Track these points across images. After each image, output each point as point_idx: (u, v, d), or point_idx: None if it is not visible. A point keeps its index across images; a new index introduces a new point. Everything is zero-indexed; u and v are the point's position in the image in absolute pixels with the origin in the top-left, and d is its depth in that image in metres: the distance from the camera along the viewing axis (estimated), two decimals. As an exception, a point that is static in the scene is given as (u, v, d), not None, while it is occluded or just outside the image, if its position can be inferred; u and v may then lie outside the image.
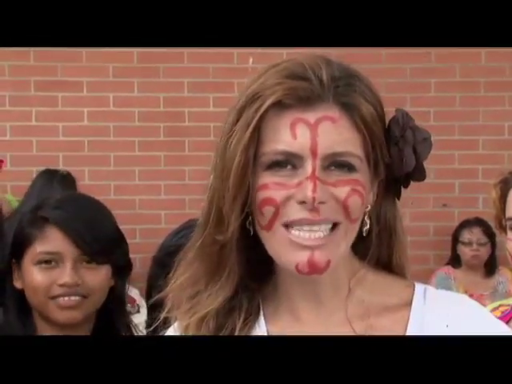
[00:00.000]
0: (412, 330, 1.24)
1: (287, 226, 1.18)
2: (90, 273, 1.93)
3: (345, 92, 1.19)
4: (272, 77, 1.19)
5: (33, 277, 1.93)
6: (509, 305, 2.15)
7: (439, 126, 5.39)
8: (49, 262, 1.92)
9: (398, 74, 5.11)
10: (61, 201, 2.03)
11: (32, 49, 5.36)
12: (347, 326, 1.24)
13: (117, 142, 5.45)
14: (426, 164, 1.27)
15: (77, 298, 1.91)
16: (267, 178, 1.19)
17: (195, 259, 1.26)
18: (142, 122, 5.46)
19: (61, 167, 4.98)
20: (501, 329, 1.27)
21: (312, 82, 1.18)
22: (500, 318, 1.98)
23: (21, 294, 1.97)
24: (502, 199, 2.07)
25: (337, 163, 1.18)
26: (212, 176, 1.23)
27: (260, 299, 1.29)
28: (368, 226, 1.25)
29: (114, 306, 2.01)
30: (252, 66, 5.37)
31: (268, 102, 1.17)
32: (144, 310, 3.98)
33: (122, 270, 2.02)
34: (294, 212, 1.18)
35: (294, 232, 1.18)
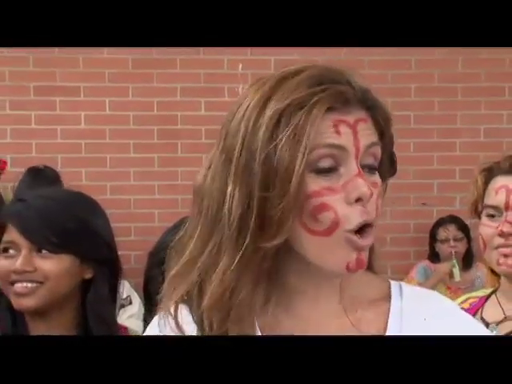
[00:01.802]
0: (393, 322, 1.25)
1: (351, 231, 1.17)
2: (45, 261, 1.91)
3: (368, 97, 1.21)
4: (303, 85, 1.17)
5: None
6: (477, 297, 2.16)
7: (419, 129, 5.41)
8: (7, 249, 1.94)
9: (380, 79, 5.12)
10: (27, 195, 2.04)
11: (31, 55, 5.35)
12: (339, 317, 1.25)
13: (112, 145, 5.45)
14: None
15: (32, 284, 1.91)
16: (317, 183, 1.16)
17: (235, 272, 1.18)
18: (136, 125, 5.46)
19: (59, 168, 4.99)
20: (468, 321, 1.31)
21: (347, 84, 1.19)
22: (468, 310, 2.01)
23: None
24: (484, 186, 2.08)
25: (367, 165, 1.19)
26: (238, 187, 1.17)
27: None
28: None
29: (88, 301, 1.98)
30: (241, 71, 5.37)
31: (321, 108, 1.15)
32: (136, 302, 3.99)
33: (97, 263, 1.99)
34: (355, 216, 1.16)
35: (353, 236, 1.17)
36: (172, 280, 1.26)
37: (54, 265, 1.92)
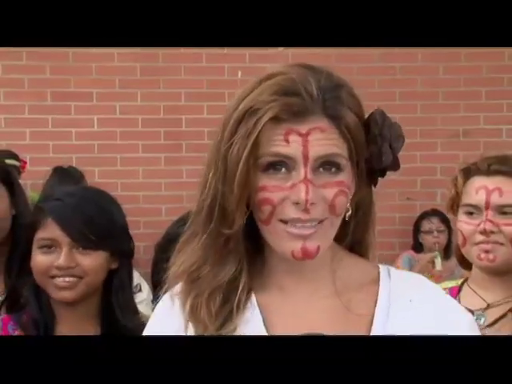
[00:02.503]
0: (381, 302, 1.25)
1: (283, 221, 1.19)
2: (85, 257, 1.91)
3: (332, 105, 1.19)
4: (266, 92, 1.18)
5: (36, 259, 1.93)
6: (446, 288, 2.15)
7: (403, 130, 5.40)
8: (48, 246, 1.92)
9: (367, 85, 5.12)
10: (63, 194, 2.01)
11: (48, 63, 5.35)
12: (331, 298, 1.25)
13: (123, 145, 5.44)
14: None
15: (72, 279, 1.91)
16: (265, 181, 1.19)
17: (200, 249, 1.25)
18: (144, 128, 5.45)
19: (66, 164, 4.97)
20: (452, 304, 1.31)
21: (303, 97, 1.17)
22: None
23: None
24: (462, 186, 2.08)
25: (325, 164, 1.18)
26: (210, 177, 1.22)
27: (252, 274, 1.29)
28: (350, 212, 1.25)
29: (114, 288, 1.99)
30: (240, 78, 5.37)
31: (266, 118, 1.16)
32: (145, 290, 3.98)
33: (123, 255, 2.00)
34: (289, 212, 1.18)
35: (288, 225, 1.19)
36: (174, 256, 1.31)
37: (92, 261, 1.92)
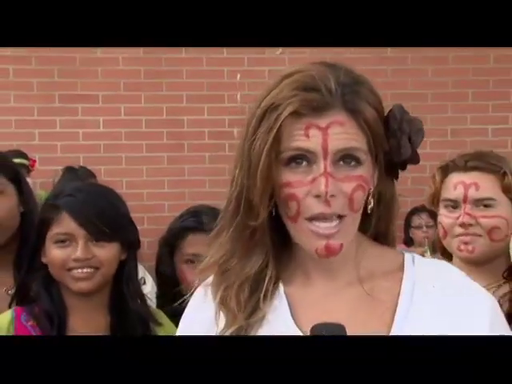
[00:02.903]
0: (405, 289, 1.24)
1: (308, 219, 1.18)
2: (100, 249, 1.92)
3: (351, 99, 1.18)
4: (286, 88, 1.17)
5: (52, 253, 1.93)
6: None
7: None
8: (64, 241, 1.92)
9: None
10: (73, 190, 2.02)
11: (56, 67, 5.34)
12: (355, 287, 1.24)
13: (127, 145, 5.43)
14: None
15: (89, 270, 1.91)
16: (288, 176, 1.18)
17: (227, 242, 1.25)
18: (148, 128, 5.45)
19: (76, 164, 4.99)
20: (472, 285, 1.28)
21: (322, 92, 1.16)
22: None
23: (47, 268, 1.97)
24: (441, 182, 2.10)
25: (345, 157, 1.17)
26: (237, 173, 1.22)
27: (280, 266, 1.28)
28: (372, 205, 1.24)
29: (125, 277, 2.00)
30: (239, 80, 5.37)
31: (286, 113, 1.15)
32: (149, 282, 3.98)
33: (131, 246, 2.01)
34: (312, 207, 1.17)
35: (314, 223, 1.18)
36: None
37: (107, 252, 1.93)
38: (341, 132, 1.17)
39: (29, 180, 4.20)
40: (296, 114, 1.16)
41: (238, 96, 5.43)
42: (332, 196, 1.16)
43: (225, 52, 5.41)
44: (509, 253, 2.05)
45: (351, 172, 1.18)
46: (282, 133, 1.17)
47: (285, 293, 1.26)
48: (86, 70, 5.38)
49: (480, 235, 2.02)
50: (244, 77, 5.40)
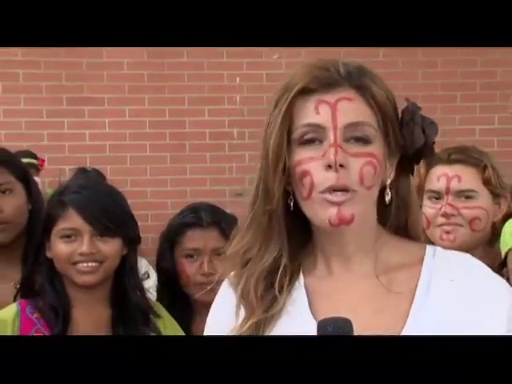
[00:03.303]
0: (423, 284, 1.21)
1: (322, 192, 1.16)
2: (104, 244, 1.92)
3: (358, 77, 1.18)
4: (298, 71, 1.18)
5: (58, 248, 1.92)
6: None
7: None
8: (70, 236, 1.91)
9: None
10: (78, 187, 2.01)
11: (64, 72, 5.33)
12: (372, 279, 1.22)
13: (132, 145, 5.42)
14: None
15: (94, 264, 1.91)
16: (301, 154, 1.17)
17: (249, 229, 1.23)
18: (151, 129, 5.44)
19: (88, 165, 4.98)
20: (493, 279, 1.24)
21: (331, 71, 1.17)
22: None
23: (52, 262, 1.97)
24: (425, 174, 2.10)
25: (355, 137, 1.16)
26: (260, 162, 1.21)
27: (302, 258, 1.26)
28: (389, 197, 1.22)
29: (126, 271, 2.00)
30: (238, 83, 5.36)
31: (296, 89, 1.16)
32: (152, 276, 3.98)
33: (131, 242, 2.00)
34: (325, 180, 1.15)
35: (326, 194, 1.16)
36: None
37: (110, 247, 1.93)
38: (349, 107, 1.16)
39: (38, 179, 4.21)
40: (306, 92, 1.16)
41: (238, 98, 5.43)
42: (341, 166, 1.14)
43: (224, 56, 5.40)
44: (490, 242, 2.06)
45: (361, 149, 1.16)
46: (294, 112, 1.16)
47: (305, 284, 1.24)
48: (92, 74, 5.37)
49: (461, 225, 2.03)
50: (243, 80, 5.40)
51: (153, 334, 1.99)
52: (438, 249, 1.27)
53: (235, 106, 5.41)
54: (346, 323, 1.07)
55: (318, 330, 1.06)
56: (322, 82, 1.16)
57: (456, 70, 5.57)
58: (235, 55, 5.36)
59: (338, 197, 1.15)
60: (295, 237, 1.24)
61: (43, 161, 4.82)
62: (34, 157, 4.76)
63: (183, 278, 2.18)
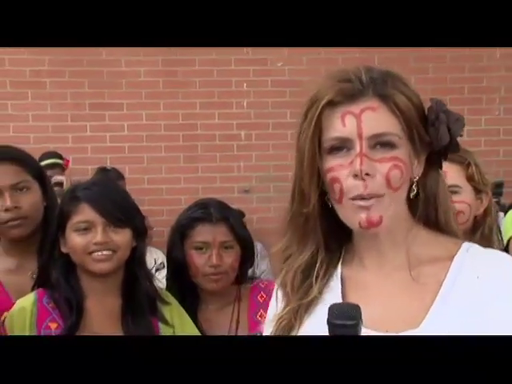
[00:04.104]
0: (450, 278, 1.15)
1: (352, 199, 1.13)
2: (116, 234, 1.90)
3: (380, 87, 1.13)
4: (324, 83, 1.15)
5: (74, 240, 1.90)
6: None
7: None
8: (84, 228, 1.89)
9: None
10: (88, 184, 2.00)
11: (87, 80, 5.32)
12: (403, 272, 1.18)
13: (148, 147, 5.39)
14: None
15: (108, 252, 1.89)
16: (332, 162, 1.14)
17: (287, 230, 1.22)
18: (166, 132, 5.40)
19: (108, 165, 4.99)
20: None
21: (354, 82, 1.13)
22: None
23: (66, 257, 1.94)
24: None
25: (380, 142, 1.12)
26: (294, 167, 1.20)
27: (343, 253, 1.24)
28: (415, 192, 1.17)
29: (136, 261, 1.98)
30: (245, 89, 5.34)
31: (323, 102, 1.13)
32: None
33: (140, 233, 1.98)
34: (353, 188, 1.12)
35: (356, 200, 1.13)
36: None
37: (122, 237, 1.91)
38: (373, 117, 1.12)
39: (63, 177, 4.20)
40: (333, 104, 1.12)
41: (245, 103, 5.42)
42: (367, 175, 1.11)
43: (233, 64, 5.38)
44: (472, 233, 2.03)
45: (387, 154, 1.12)
46: (323, 124, 1.13)
47: (341, 275, 1.22)
48: (112, 82, 5.34)
49: None
50: (249, 86, 5.38)
51: (160, 323, 1.97)
52: (475, 246, 1.21)
53: (243, 110, 5.40)
54: (353, 309, 1.02)
55: (327, 315, 1.02)
56: (346, 94, 1.13)
57: (446, 75, 5.53)
58: (242, 63, 5.35)
59: (366, 202, 1.12)
60: (335, 232, 1.21)
61: (68, 161, 4.81)
62: (60, 157, 4.76)
63: (192, 269, 2.15)
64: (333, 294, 1.20)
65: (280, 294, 1.24)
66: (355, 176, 1.12)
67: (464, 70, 5.57)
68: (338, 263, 1.24)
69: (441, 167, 1.22)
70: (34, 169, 2.19)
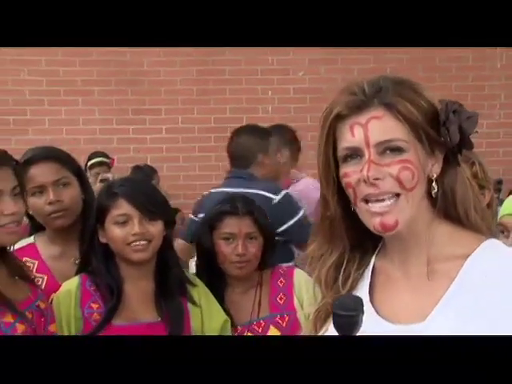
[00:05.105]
0: (460, 276, 1.09)
1: (364, 201, 1.09)
2: (151, 226, 1.88)
3: (385, 96, 1.08)
4: (335, 99, 1.12)
5: (113, 232, 1.88)
6: None
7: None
8: (122, 221, 1.87)
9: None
10: (123, 181, 2.00)
11: (129, 88, 5.34)
12: (421, 268, 1.12)
13: (184, 147, 5.38)
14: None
15: (145, 242, 1.87)
16: (346, 169, 1.10)
17: (317, 232, 1.20)
18: (199, 134, 5.39)
19: (148, 163, 5.01)
20: None
21: (358, 94, 1.09)
22: None
23: (105, 246, 1.92)
24: None
25: (389, 148, 1.07)
26: None
27: (379, 246, 1.20)
28: (436, 190, 1.11)
29: (167, 248, 1.96)
30: (270, 96, 5.32)
31: (332, 115, 1.10)
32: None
33: (169, 224, 1.97)
34: (363, 190, 1.08)
35: (368, 204, 1.08)
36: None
37: (156, 228, 1.88)
38: (379, 125, 1.07)
39: (110, 175, 4.21)
40: (342, 117, 1.09)
41: (270, 108, 5.40)
42: (376, 179, 1.06)
43: (259, 74, 5.37)
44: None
45: (395, 158, 1.07)
46: (336, 135, 1.11)
47: (374, 266, 1.18)
48: (152, 90, 5.35)
49: None
50: (274, 93, 5.37)
51: (189, 304, 1.96)
52: (495, 242, 1.13)
53: (268, 115, 5.37)
54: (354, 301, 0.99)
55: (333, 306, 1.00)
56: (352, 107, 1.09)
57: (451, 83, 5.44)
58: (268, 73, 5.35)
59: (380, 207, 1.07)
60: (365, 230, 1.14)
61: (113, 160, 4.82)
62: (107, 156, 4.77)
63: (220, 257, 2.13)
64: (363, 284, 1.18)
65: (317, 289, 1.21)
66: (365, 181, 1.08)
67: (468, 79, 5.49)
68: (372, 256, 1.19)
69: (458, 164, 1.15)
70: (73, 166, 2.20)
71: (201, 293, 2.00)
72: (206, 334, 1.94)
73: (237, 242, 2.11)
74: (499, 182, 3.81)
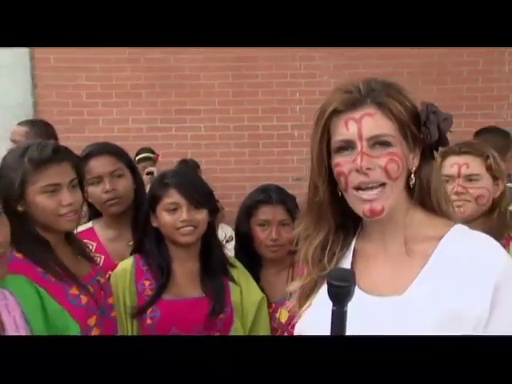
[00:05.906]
0: (435, 254, 1.11)
1: (355, 188, 1.11)
2: (197, 213, 1.91)
3: (378, 94, 1.10)
4: (331, 95, 1.14)
5: (164, 218, 1.92)
6: None
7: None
8: (172, 209, 1.90)
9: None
10: (173, 173, 2.02)
11: (173, 90, 5.38)
12: (399, 247, 1.14)
13: (220, 144, 5.39)
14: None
15: (192, 228, 1.90)
16: (338, 159, 1.12)
17: (306, 214, 1.21)
18: (234, 132, 5.38)
19: (188, 158, 5.03)
20: (494, 251, 1.09)
21: (353, 92, 1.11)
22: None
23: (156, 230, 1.96)
24: (441, 163, 2.05)
25: (378, 142, 1.10)
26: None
27: (359, 228, 1.21)
28: (414, 181, 1.14)
29: (211, 233, 1.99)
30: (298, 97, 5.28)
31: (329, 110, 1.11)
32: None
33: (213, 212, 1.99)
34: (355, 179, 1.10)
35: (359, 192, 1.10)
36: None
37: (201, 215, 1.92)
38: (371, 122, 1.09)
39: (155, 168, 4.26)
40: (338, 112, 1.10)
41: (298, 108, 5.40)
42: (368, 169, 1.08)
43: (288, 77, 5.35)
44: (491, 212, 2.02)
45: (384, 151, 1.09)
46: (331, 129, 1.11)
47: (354, 247, 1.19)
48: (192, 92, 5.36)
49: (469, 201, 1.99)
50: (301, 95, 5.36)
51: (230, 282, 1.99)
52: (463, 228, 1.15)
53: (296, 114, 5.37)
54: (348, 273, 1.00)
55: (328, 277, 1.00)
56: (347, 104, 1.10)
57: (462, 86, 5.35)
58: (296, 77, 5.32)
59: (369, 195, 1.10)
60: (349, 214, 1.16)
61: (158, 155, 4.88)
62: (152, 152, 4.83)
63: (256, 242, 2.16)
64: (345, 263, 1.19)
65: (303, 266, 1.22)
66: (357, 171, 1.10)
67: (478, 81, 5.40)
68: (353, 238, 1.21)
69: (434, 158, 1.18)
70: (126, 159, 2.25)
71: (240, 273, 2.02)
72: (245, 309, 1.98)
73: (271, 228, 2.13)
74: (510, 174, 3.80)
